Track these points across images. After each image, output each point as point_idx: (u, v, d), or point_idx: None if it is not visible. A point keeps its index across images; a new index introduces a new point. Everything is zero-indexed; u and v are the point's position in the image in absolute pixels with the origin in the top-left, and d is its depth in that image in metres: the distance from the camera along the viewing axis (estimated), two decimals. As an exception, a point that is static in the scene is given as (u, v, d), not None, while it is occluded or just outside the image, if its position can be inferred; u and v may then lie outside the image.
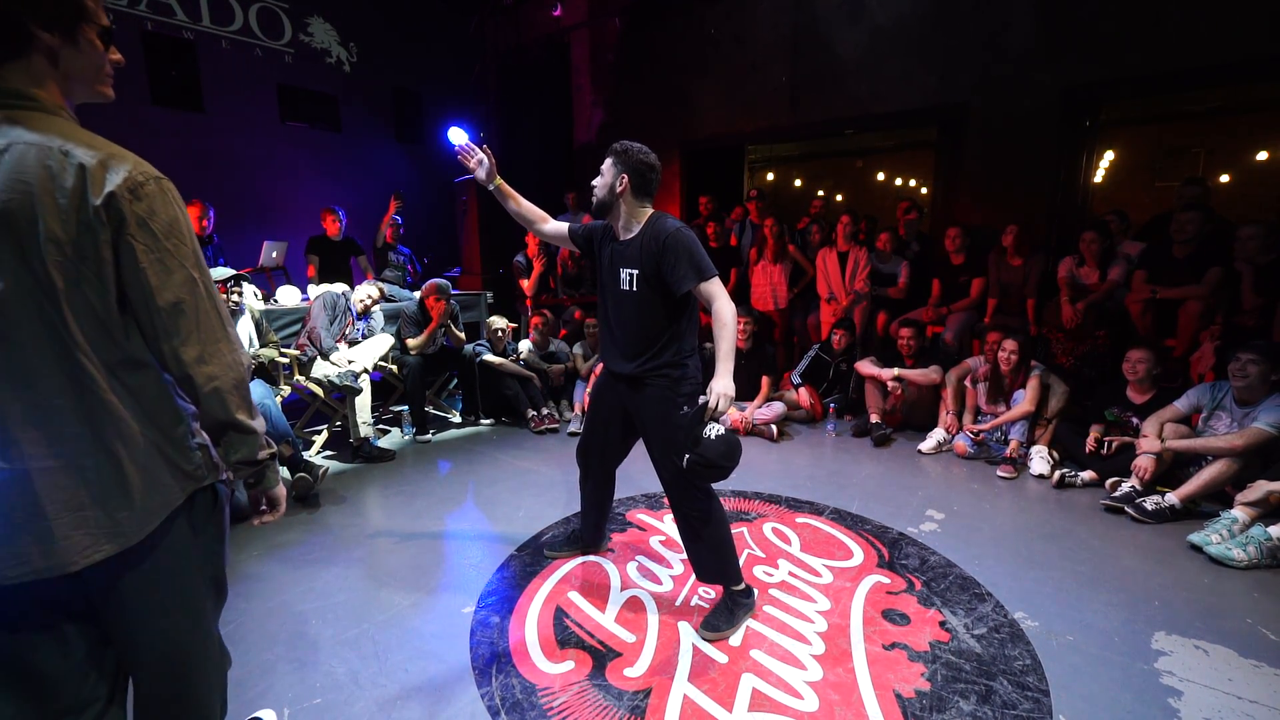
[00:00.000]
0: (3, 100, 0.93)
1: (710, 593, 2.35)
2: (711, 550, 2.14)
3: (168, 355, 0.99)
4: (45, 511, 0.92)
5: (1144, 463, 3.04)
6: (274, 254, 4.94)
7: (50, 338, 0.91)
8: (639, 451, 2.29)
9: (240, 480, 1.12)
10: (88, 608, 1.04)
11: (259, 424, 1.09)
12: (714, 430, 1.91)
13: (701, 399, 1.96)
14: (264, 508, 1.19)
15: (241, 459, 1.09)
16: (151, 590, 1.04)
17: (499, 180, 2.24)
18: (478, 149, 2.20)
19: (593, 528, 2.58)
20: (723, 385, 1.92)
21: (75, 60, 0.98)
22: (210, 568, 1.14)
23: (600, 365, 2.35)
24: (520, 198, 2.30)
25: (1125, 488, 3.08)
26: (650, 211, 2.08)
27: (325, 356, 3.93)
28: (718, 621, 2.11)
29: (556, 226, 2.32)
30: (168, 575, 1.06)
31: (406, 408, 4.54)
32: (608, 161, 2.05)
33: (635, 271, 2.02)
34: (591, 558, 2.63)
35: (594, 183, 2.09)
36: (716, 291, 1.98)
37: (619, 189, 2.03)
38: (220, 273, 3.60)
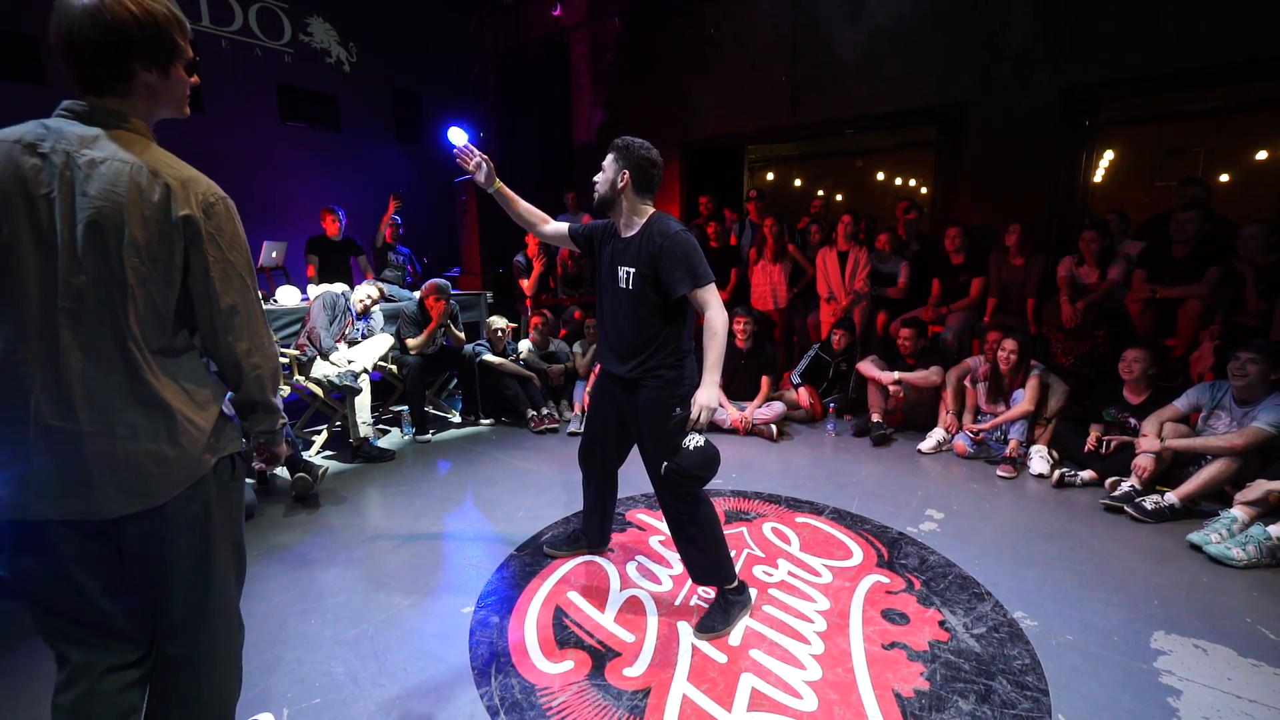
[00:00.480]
0: (106, 120, 1.11)
1: (710, 592, 2.35)
2: (702, 550, 2.14)
3: (222, 347, 1.19)
4: (89, 468, 1.08)
5: (1143, 462, 3.04)
6: (274, 254, 4.94)
7: (112, 325, 1.08)
8: (638, 452, 2.28)
9: (255, 440, 1.34)
10: (119, 555, 1.19)
11: (280, 402, 1.33)
12: (693, 441, 1.93)
13: (679, 411, 1.99)
14: (260, 463, 1.40)
15: (264, 429, 1.32)
16: (174, 544, 1.18)
17: (498, 184, 2.24)
18: (477, 152, 2.19)
19: (596, 528, 2.57)
20: (706, 397, 1.93)
21: (166, 91, 1.17)
22: (231, 532, 1.29)
23: (599, 366, 2.35)
24: (520, 200, 2.30)
25: (1125, 487, 3.08)
26: (652, 210, 2.08)
27: (325, 356, 3.93)
28: (713, 622, 2.12)
29: (556, 227, 2.32)
30: (189, 532, 1.19)
31: (406, 408, 4.54)
32: (609, 157, 2.05)
33: (632, 270, 2.02)
34: (591, 558, 2.63)
35: (595, 179, 2.09)
36: (710, 299, 1.98)
37: (620, 185, 2.03)
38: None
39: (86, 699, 1.19)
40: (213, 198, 1.14)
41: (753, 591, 2.30)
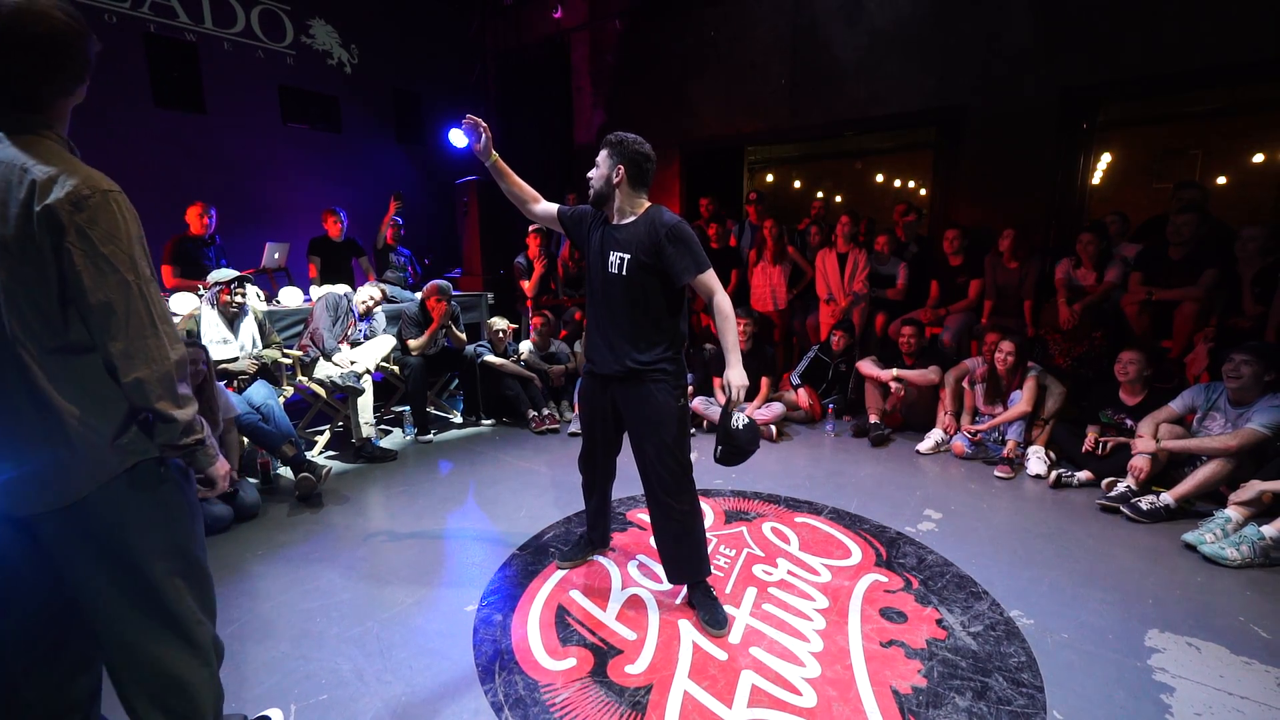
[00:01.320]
0: (11, 132, 1.12)
1: (712, 590, 2.37)
2: (695, 546, 2.19)
3: (100, 349, 1.14)
4: (4, 467, 1.13)
5: (1140, 463, 3.07)
6: (276, 255, 4.96)
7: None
8: (630, 451, 2.29)
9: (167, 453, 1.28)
10: (44, 553, 1.21)
11: (183, 413, 1.21)
12: (739, 420, 2.07)
13: (682, 402, 2.10)
14: (200, 482, 1.38)
15: (165, 442, 1.23)
16: (87, 547, 1.18)
17: (495, 156, 2.20)
18: (480, 121, 2.14)
19: (603, 530, 2.59)
20: (737, 376, 2.00)
21: (71, 102, 1.21)
22: (169, 539, 1.26)
23: (585, 374, 2.34)
24: (514, 175, 2.27)
25: (1121, 487, 3.11)
26: (648, 203, 2.10)
27: (327, 357, 3.96)
28: (718, 615, 2.15)
29: (546, 207, 2.28)
30: (105, 533, 1.18)
31: (408, 408, 4.57)
32: (603, 153, 2.06)
33: (627, 256, 2.02)
34: (593, 557, 2.65)
35: (590, 175, 2.10)
36: (714, 284, 2.03)
37: (615, 180, 2.04)
38: (224, 274, 3.63)
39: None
40: (87, 190, 1.09)
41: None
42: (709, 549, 2.67)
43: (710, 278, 2.03)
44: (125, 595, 1.22)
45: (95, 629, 1.25)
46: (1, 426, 1.13)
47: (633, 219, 2.07)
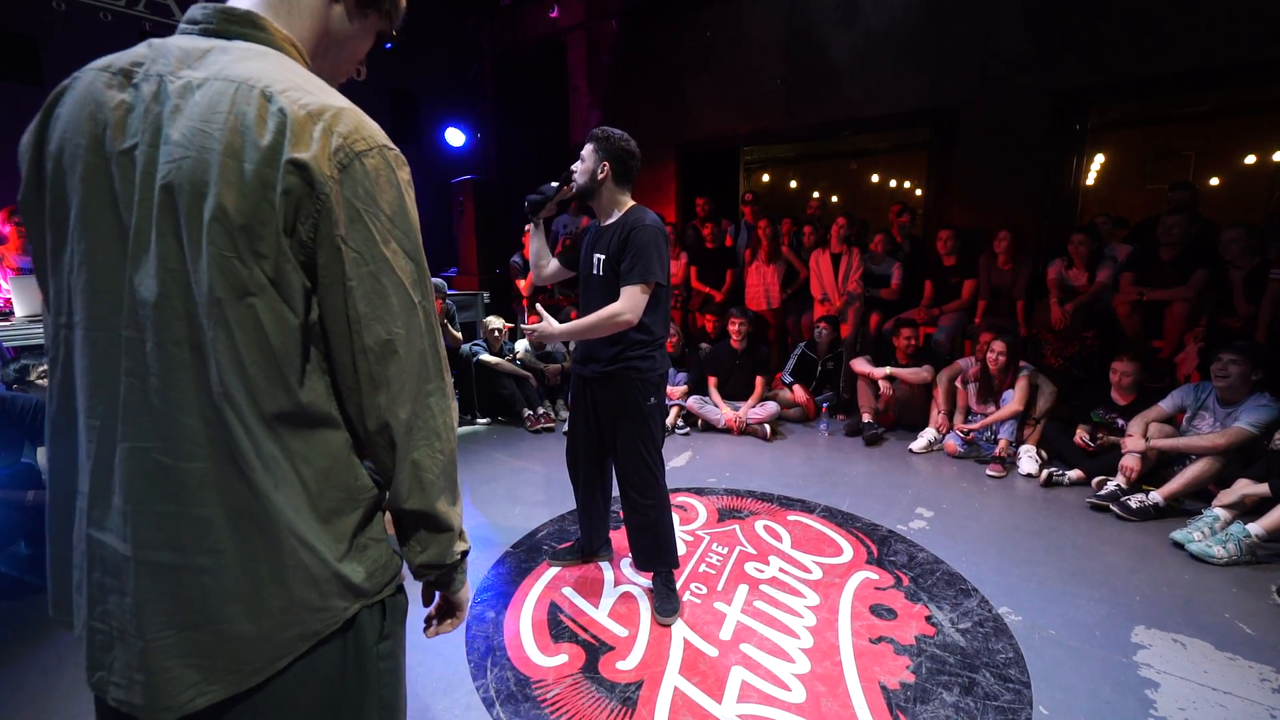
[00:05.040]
0: (230, 25, 0.69)
1: (703, 588, 2.39)
2: (658, 539, 2.23)
3: (368, 413, 0.70)
4: (143, 625, 0.64)
5: (1130, 463, 3.09)
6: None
7: (199, 370, 0.63)
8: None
9: (418, 576, 0.83)
10: None
11: (458, 513, 0.80)
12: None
13: (653, 400, 2.12)
14: (434, 618, 0.92)
15: (429, 561, 0.80)
16: None
17: (539, 220, 2.21)
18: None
19: (591, 534, 2.55)
20: (554, 330, 2.03)
21: (347, 28, 0.80)
22: (377, 711, 0.79)
23: (573, 375, 2.33)
24: (544, 239, 2.30)
25: (1111, 486, 3.14)
26: (631, 202, 2.11)
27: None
28: (672, 604, 2.21)
29: (554, 266, 2.30)
30: None
31: (403, 407, 4.57)
32: (589, 148, 2.06)
33: (603, 257, 2.05)
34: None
35: (574, 168, 2.10)
36: (630, 298, 1.96)
37: (600, 176, 2.05)
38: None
39: None
40: (362, 144, 0.66)
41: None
42: (703, 547, 2.71)
43: (635, 290, 1.95)
44: None
45: None
46: (173, 558, 0.64)
47: (615, 218, 2.08)
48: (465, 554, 0.84)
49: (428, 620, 0.92)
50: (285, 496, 0.66)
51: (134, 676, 0.64)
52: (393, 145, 0.71)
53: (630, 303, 1.97)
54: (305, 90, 0.66)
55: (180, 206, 0.61)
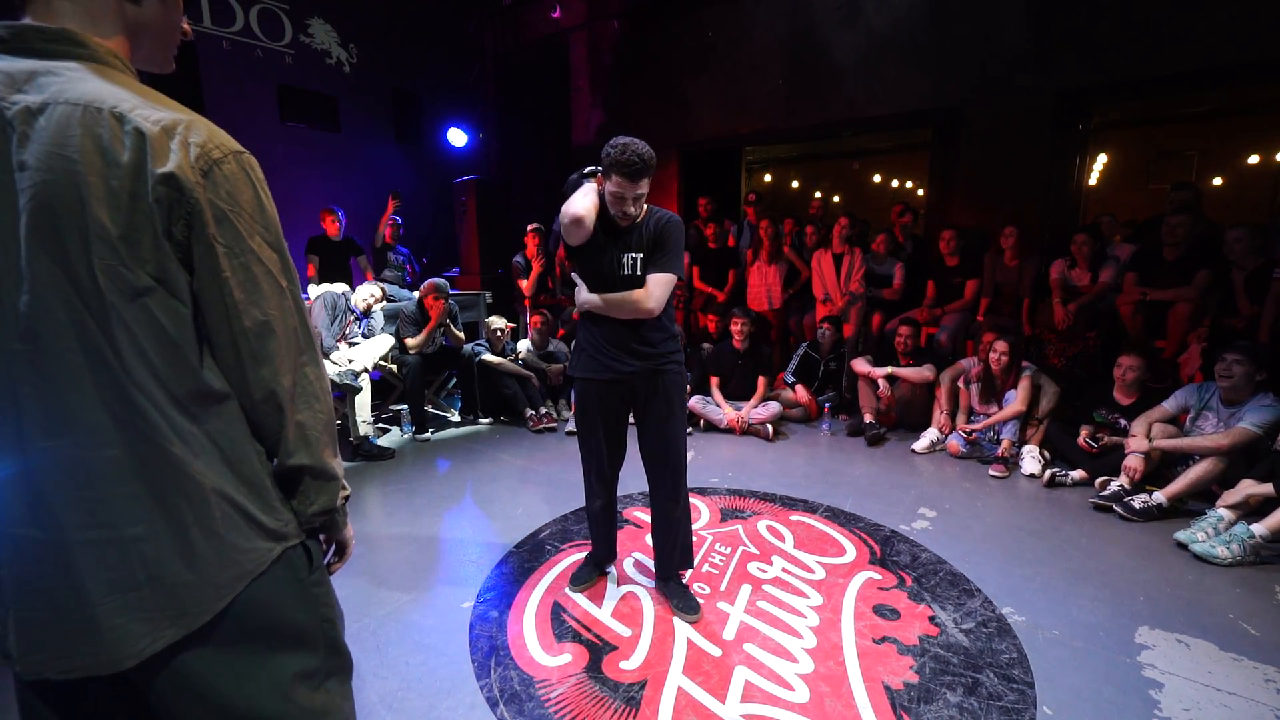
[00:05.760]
0: (45, 44, 0.71)
1: (706, 587, 2.39)
2: (688, 540, 2.29)
3: (253, 385, 0.80)
4: (89, 594, 0.72)
5: (1133, 463, 3.09)
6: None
7: (95, 368, 0.70)
8: (634, 450, 2.31)
9: (307, 524, 0.91)
10: (146, 708, 0.80)
11: (340, 463, 0.92)
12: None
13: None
14: (331, 558, 1.02)
15: (320, 508, 0.89)
16: (230, 676, 0.80)
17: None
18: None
19: (610, 545, 2.48)
20: (586, 298, 2.09)
21: (154, 10, 0.80)
22: (316, 631, 0.90)
23: (582, 380, 2.19)
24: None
25: (1114, 486, 3.14)
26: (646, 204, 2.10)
27: (325, 355, 3.97)
28: (695, 602, 2.24)
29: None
30: (252, 658, 0.82)
31: (406, 406, 4.58)
32: (644, 182, 1.93)
33: (639, 256, 2.03)
34: (588, 554, 2.67)
35: (631, 210, 1.97)
36: (658, 287, 2.00)
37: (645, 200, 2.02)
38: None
39: None
40: (218, 151, 0.74)
41: None
42: (706, 547, 2.73)
43: (666, 284, 2.01)
44: None
45: None
46: (100, 534, 0.72)
47: (640, 219, 2.06)
48: (347, 498, 0.95)
49: (328, 564, 1.02)
50: (205, 463, 0.76)
51: (81, 644, 0.72)
52: (243, 149, 0.78)
53: (657, 291, 2.00)
54: (151, 107, 0.72)
55: (57, 226, 0.67)
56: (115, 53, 0.77)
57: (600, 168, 1.97)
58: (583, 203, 1.93)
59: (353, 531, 1.04)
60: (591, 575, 2.46)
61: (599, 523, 2.40)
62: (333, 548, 1.02)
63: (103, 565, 0.72)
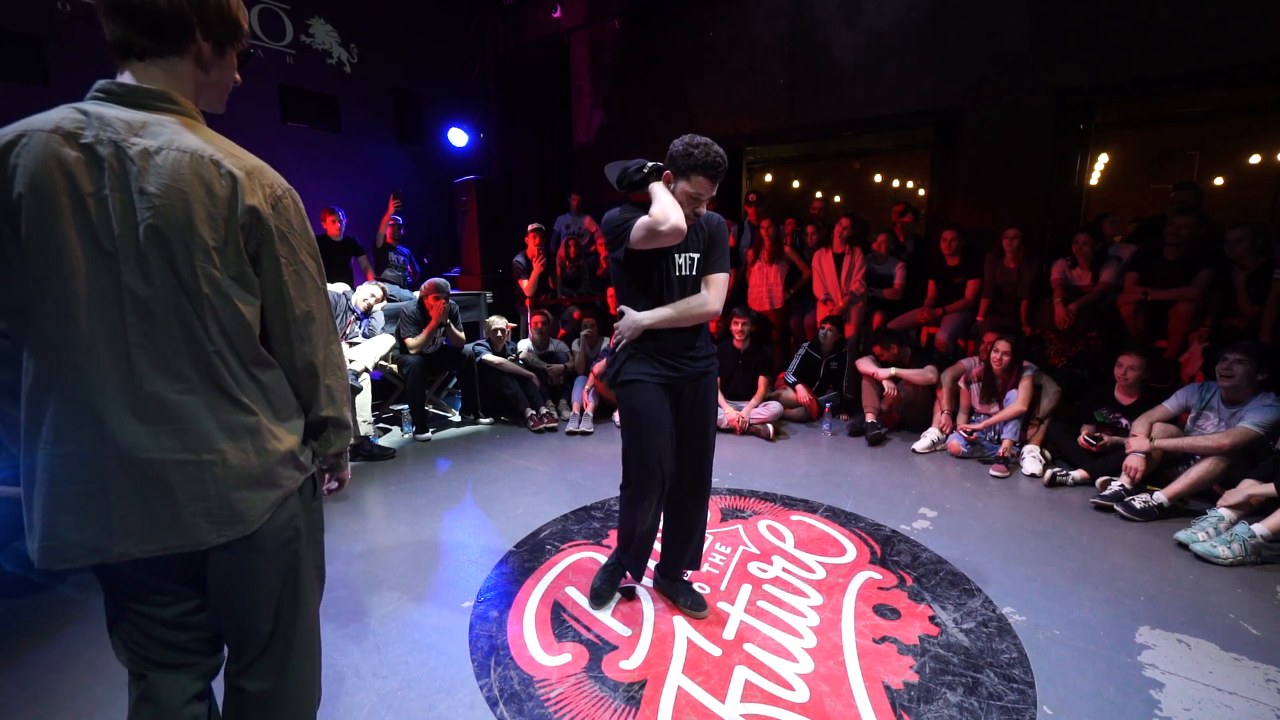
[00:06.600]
0: (151, 101, 0.98)
1: (706, 587, 2.39)
2: (701, 542, 2.29)
3: (298, 359, 1.09)
4: (176, 498, 0.98)
5: (1134, 463, 3.08)
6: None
7: (188, 339, 0.97)
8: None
9: (324, 462, 1.24)
10: (201, 582, 1.12)
11: (351, 416, 1.23)
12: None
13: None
14: (333, 485, 1.35)
15: (337, 450, 1.22)
16: (265, 572, 1.11)
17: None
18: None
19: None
20: (643, 317, 1.97)
21: (215, 72, 1.06)
22: (315, 554, 1.22)
23: (639, 383, 2.04)
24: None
25: (1115, 486, 3.13)
26: None
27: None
28: (699, 598, 2.25)
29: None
30: (281, 559, 1.12)
31: (406, 406, 4.58)
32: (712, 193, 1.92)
33: (697, 255, 2.01)
34: (589, 554, 2.67)
35: (701, 211, 1.94)
36: (721, 287, 2.02)
37: (675, 190, 1.91)
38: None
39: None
40: (279, 190, 1.03)
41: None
42: (706, 546, 2.70)
43: (725, 284, 2.02)
44: (286, 623, 1.15)
45: (236, 664, 1.16)
46: (186, 456, 0.99)
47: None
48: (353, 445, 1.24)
49: (328, 489, 1.33)
50: (261, 410, 1.05)
51: (165, 535, 0.99)
52: (291, 187, 1.07)
53: (721, 292, 2.00)
54: (238, 156, 1.01)
55: (169, 238, 0.94)
56: (194, 108, 1.04)
57: (657, 165, 1.92)
58: (678, 210, 1.84)
59: (349, 469, 1.37)
60: (611, 589, 2.34)
61: (646, 543, 2.22)
62: (337, 481, 1.35)
63: (187, 480, 0.99)
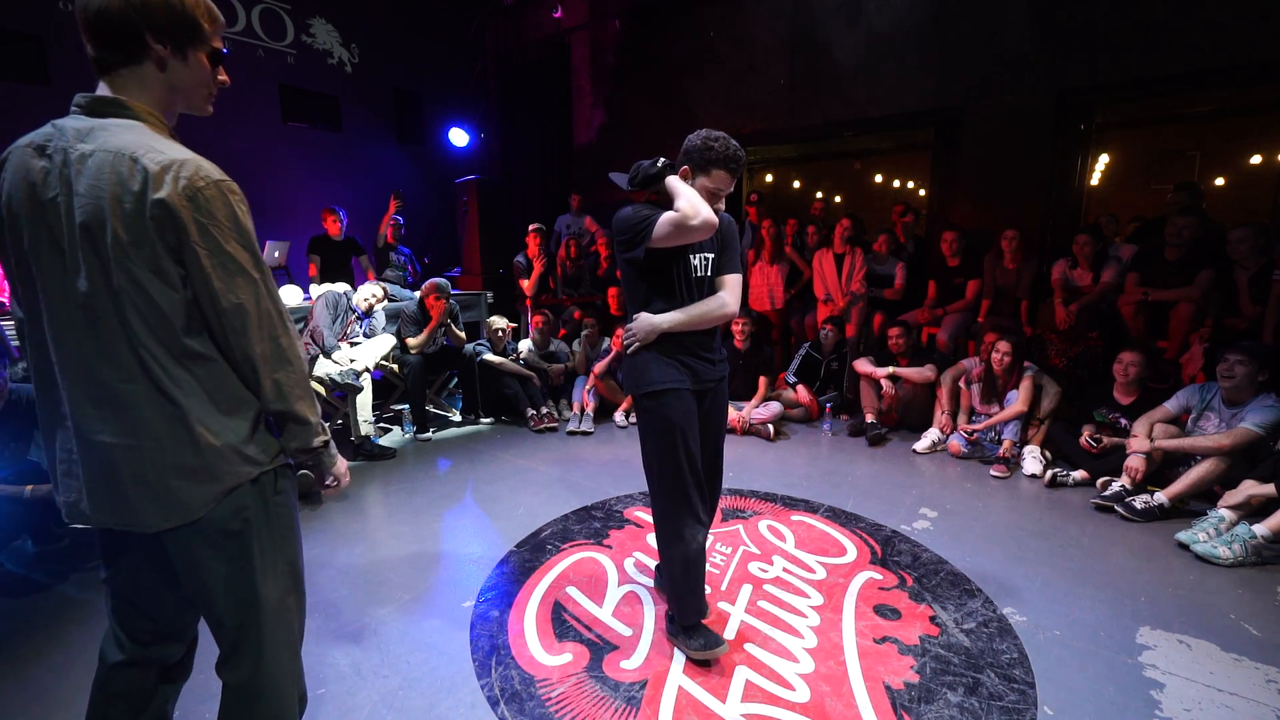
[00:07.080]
0: (105, 108, 1.04)
1: (707, 587, 2.39)
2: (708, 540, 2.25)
3: (235, 351, 1.08)
4: (122, 480, 1.05)
5: (1135, 463, 3.08)
6: (276, 253, 4.98)
7: (123, 331, 1.02)
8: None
9: (296, 459, 1.24)
10: (170, 563, 1.16)
11: (315, 415, 1.19)
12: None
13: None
14: (330, 483, 1.37)
15: (299, 447, 1.19)
16: (212, 561, 1.12)
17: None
18: None
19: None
20: (661, 320, 1.88)
21: (182, 73, 1.09)
22: (282, 552, 1.20)
23: (673, 392, 1.92)
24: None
25: (1115, 487, 3.13)
26: None
27: (327, 355, 3.97)
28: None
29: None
30: (228, 549, 1.12)
31: (407, 406, 4.58)
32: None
33: (712, 256, 1.94)
34: (589, 554, 2.67)
35: (720, 207, 1.89)
36: (738, 288, 1.97)
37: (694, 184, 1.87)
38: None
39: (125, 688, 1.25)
40: (201, 181, 1.01)
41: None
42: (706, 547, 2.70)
43: (739, 284, 1.97)
44: (246, 615, 1.16)
45: (219, 654, 1.21)
46: (129, 441, 1.04)
47: None
48: (326, 443, 1.23)
49: (326, 488, 1.44)
50: (193, 402, 1.06)
51: (123, 513, 1.08)
52: (225, 178, 1.05)
53: (736, 293, 1.94)
54: (158, 150, 1.00)
55: (93, 234, 0.98)
56: (152, 111, 1.07)
57: (670, 162, 1.87)
58: (705, 204, 1.77)
59: (345, 465, 1.35)
60: (711, 637, 1.99)
61: (700, 565, 1.98)
62: (334, 480, 1.35)
63: (130, 464, 1.05)
